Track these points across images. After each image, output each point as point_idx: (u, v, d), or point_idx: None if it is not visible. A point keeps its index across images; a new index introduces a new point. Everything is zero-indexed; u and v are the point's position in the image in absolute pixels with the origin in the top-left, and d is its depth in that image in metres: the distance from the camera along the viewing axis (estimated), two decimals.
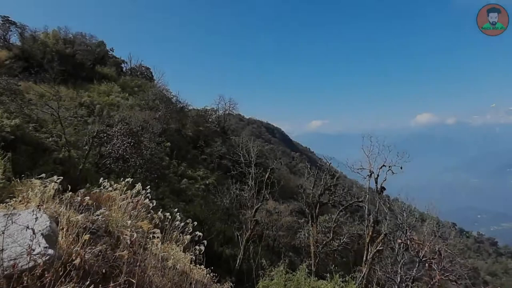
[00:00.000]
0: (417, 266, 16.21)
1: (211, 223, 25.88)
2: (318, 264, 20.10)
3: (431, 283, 14.66)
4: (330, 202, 22.32)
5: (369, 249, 17.27)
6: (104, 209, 4.86)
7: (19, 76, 27.41)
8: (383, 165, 17.50)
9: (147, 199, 5.99)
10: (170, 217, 5.93)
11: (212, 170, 39.03)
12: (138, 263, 3.88)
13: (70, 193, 5.01)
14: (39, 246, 3.10)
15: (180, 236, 5.87)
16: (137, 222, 5.38)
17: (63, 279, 3.03)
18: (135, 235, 4.10)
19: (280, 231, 29.81)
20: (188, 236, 5.81)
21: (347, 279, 10.94)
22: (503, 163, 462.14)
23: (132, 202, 5.73)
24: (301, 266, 11.34)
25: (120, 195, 5.82)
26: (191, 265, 5.85)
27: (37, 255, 2.98)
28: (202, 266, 6.41)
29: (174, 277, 4.68)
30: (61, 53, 35.73)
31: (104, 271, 3.59)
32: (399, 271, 16.58)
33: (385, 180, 17.66)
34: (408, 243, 16.27)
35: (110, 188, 6.06)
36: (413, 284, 16.25)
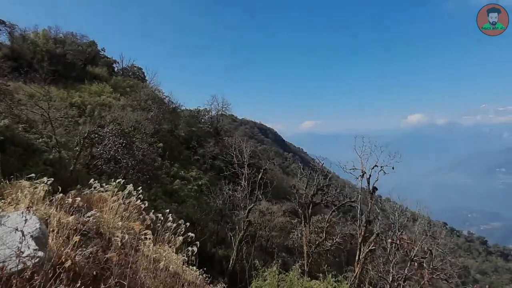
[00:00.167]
0: (408, 265, 16.37)
1: (204, 224, 25.78)
2: (311, 264, 20.16)
3: (422, 282, 14.81)
4: (323, 202, 22.39)
5: (362, 249, 17.38)
6: (95, 211, 4.82)
7: (8, 76, 26.94)
8: (375, 165, 17.63)
9: (139, 200, 5.95)
10: (162, 218, 5.90)
11: (205, 171, 38.92)
12: (129, 265, 3.85)
13: (61, 194, 4.95)
14: (29, 248, 3.06)
15: (172, 237, 5.84)
16: (128, 223, 5.34)
17: (53, 282, 3.00)
18: (126, 236, 4.07)
19: (273, 232, 29.83)
20: (181, 237, 5.79)
21: (339, 279, 10.99)
22: (493, 163, 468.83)
23: (123, 203, 5.69)
24: (294, 266, 11.36)
25: (112, 196, 5.78)
26: (184, 266, 5.83)
27: (27, 258, 2.95)
28: (195, 267, 6.38)
29: (166, 279, 4.66)
30: (52, 53, 35.29)
31: (95, 273, 3.56)
32: (391, 270, 16.72)
33: (377, 180, 17.80)
34: (398, 242, 16.42)
35: (102, 190, 6.02)
36: (405, 283, 16.39)
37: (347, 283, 11.01)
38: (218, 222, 28.05)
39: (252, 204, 21.88)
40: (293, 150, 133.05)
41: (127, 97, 38.27)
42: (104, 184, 6.18)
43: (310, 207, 21.12)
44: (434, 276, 16.27)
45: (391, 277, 16.57)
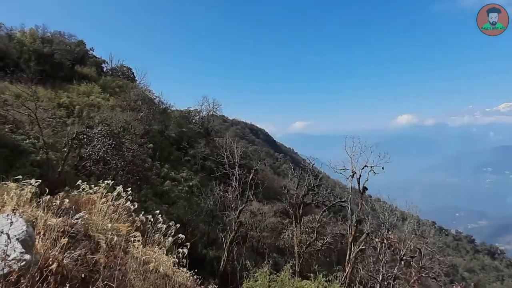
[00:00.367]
0: (398, 264, 16.56)
1: (194, 225, 25.66)
2: (302, 264, 20.23)
3: (412, 281, 14.98)
4: (314, 202, 22.50)
5: (352, 249, 17.52)
6: (84, 213, 4.76)
7: None
8: (365, 166, 17.80)
9: (129, 202, 5.89)
10: (152, 219, 5.85)
11: (196, 172, 38.76)
12: (118, 267, 3.80)
13: (48, 196, 4.88)
14: (15, 251, 3.00)
15: (162, 239, 5.80)
16: (118, 225, 5.28)
17: (40, 285, 2.95)
18: (115, 238, 4.02)
19: (264, 232, 29.84)
20: (171, 239, 5.75)
21: (330, 279, 11.04)
22: (479, 163, 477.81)
23: (113, 205, 5.62)
24: (285, 266, 11.38)
25: (101, 198, 5.70)
26: (174, 268, 5.79)
27: (12, 261, 2.89)
28: (185, 269, 6.35)
29: (156, 280, 4.62)
30: (39, 52, 34.71)
31: (83, 275, 3.51)
32: (381, 269, 16.89)
33: (367, 180, 17.97)
34: (385, 241, 16.60)
35: (90, 191, 5.93)
36: (395, 282, 16.57)
37: (337, 283, 11.07)
38: (209, 223, 27.96)
39: (243, 205, 21.87)
40: (284, 150, 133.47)
41: (116, 98, 37.86)
42: (93, 186, 6.10)
43: (301, 207, 21.20)
44: (423, 275, 16.51)
45: (381, 276, 16.74)
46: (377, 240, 17.50)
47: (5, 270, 2.82)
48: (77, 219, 4.54)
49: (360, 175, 17.98)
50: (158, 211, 6.23)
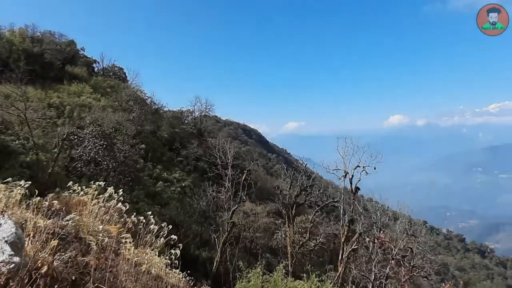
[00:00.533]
0: (390, 263, 16.68)
1: (187, 226, 25.56)
2: (295, 264, 20.28)
3: (403, 280, 15.11)
4: (307, 202, 22.57)
5: (345, 248, 17.61)
6: (75, 214, 4.70)
7: None
8: (358, 166, 17.94)
9: (120, 203, 5.84)
10: (144, 221, 5.80)
11: (188, 172, 38.62)
12: (109, 269, 3.77)
13: (38, 198, 4.81)
14: (3, 254, 2.96)
15: (154, 240, 5.76)
16: (109, 226, 5.23)
17: (29, 287, 2.90)
18: (106, 240, 3.98)
19: (257, 233, 29.84)
20: (163, 240, 5.71)
21: (323, 279, 11.07)
22: (470, 163, 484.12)
23: (104, 206, 5.57)
24: (278, 267, 11.37)
25: (92, 199, 5.64)
26: (167, 270, 5.75)
27: (1, 264, 2.84)
28: (178, 270, 6.32)
29: (148, 282, 4.59)
30: (29, 52, 34.28)
31: (73, 278, 3.47)
32: (373, 269, 17.00)
33: (359, 180, 18.11)
34: (376, 241, 16.73)
35: (81, 193, 5.87)
36: (387, 281, 16.69)
37: (330, 282, 11.11)
38: (202, 224, 27.87)
39: (236, 205, 21.84)
40: (276, 151, 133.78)
41: (107, 98, 37.58)
42: (83, 187, 6.03)
43: (294, 208, 21.26)
44: (415, 274, 16.67)
45: (373, 276, 16.85)
46: (368, 239, 17.63)
47: None
48: (67, 220, 4.48)
49: (352, 175, 18.12)
50: (150, 212, 6.18)
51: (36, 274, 2.99)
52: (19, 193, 4.82)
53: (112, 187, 6.05)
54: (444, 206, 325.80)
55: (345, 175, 18.33)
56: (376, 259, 17.36)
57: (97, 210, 5.38)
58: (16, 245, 3.20)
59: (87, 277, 3.59)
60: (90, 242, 4.06)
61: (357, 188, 18.32)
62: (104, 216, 5.42)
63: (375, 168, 17.53)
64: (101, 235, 4.56)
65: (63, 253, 3.67)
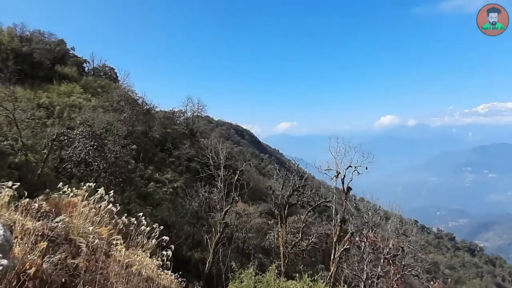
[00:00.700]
0: (381, 263, 16.80)
1: (179, 227, 25.41)
2: (288, 264, 20.31)
3: (395, 278, 15.23)
4: (299, 202, 22.62)
5: (337, 248, 17.69)
6: (64, 216, 4.64)
7: None
8: (349, 166, 18.02)
9: (111, 204, 5.78)
10: (136, 222, 5.76)
11: (181, 173, 38.41)
12: (100, 271, 3.73)
13: (27, 199, 4.74)
14: None
15: (146, 242, 5.72)
16: (100, 228, 5.17)
17: None
18: (96, 241, 3.94)
19: (250, 233, 29.83)
20: (154, 241, 5.67)
21: (315, 278, 11.11)
22: (459, 163, 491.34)
23: (94, 207, 5.51)
24: (270, 267, 11.39)
25: (82, 200, 5.58)
26: (158, 271, 5.72)
27: None
28: (170, 271, 6.28)
29: (139, 284, 4.55)
30: (17, 51, 33.79)
31: (63, 280, 3.42)
32: (365, 268, 17.10)
33: (351, 180, 18.20)
34: (365, 240, 16.84)
35: (71, 194, 5.79)
36: (378, 281, 16.81)
37: (323, 282, 11.15)
38: (194, 225, 27.75)
39: (229, 206, 21.79)
40: (269, 151, 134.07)
41: (98, 98, 37.14)
42: (74, 188, 5.96)
43: (286, 208, 21.29)
44: (406, 272, 16.82)
45: (365, 275, 16.95)
46: (357, 239, 17.73)
47: None
48: (57, 222, 4.42)
49: (344, 175, 18.20)
50: (141, 213, 6.14)
51: (25, 277, 2.94)
52: (8, 195, 4.75)
53: (103, 188, 5.99)
54: (435, 205, 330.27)
55: (337, 175, 18.41)
56: (368, 258, 17.48)
57: (87, 212, 5.32)
58: (4, 247, 3.15)
59: (77, 279, 3.54)
60: (80, 244, 4.01)
61: (349, 188, 18.41)
62: (95, 217, 5.36)
63: (366, 168, 17.64)
64: (91, 236, 4.50)
65: (52, 255, 3.62)
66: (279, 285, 10.61)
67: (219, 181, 22.11)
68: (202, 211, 27.68)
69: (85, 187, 5.82)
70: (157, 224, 6.16)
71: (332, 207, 19.26)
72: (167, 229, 20.82)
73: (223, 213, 21.20)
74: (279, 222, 21.47)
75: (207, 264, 20.42)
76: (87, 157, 19.52)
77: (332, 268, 17.31)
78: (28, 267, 3.04)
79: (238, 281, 10.68)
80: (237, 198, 22.58)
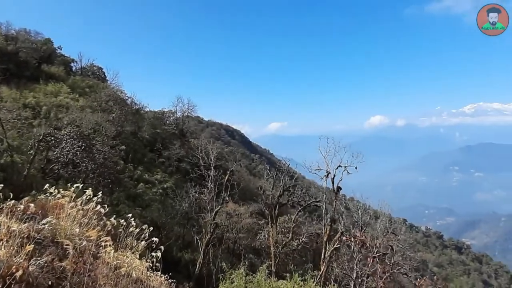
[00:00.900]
0: (371, 262, 16.96)
1: (169, 228, 25.23)
2: (278, 264, 20.35)
3: (384, 277, 15.39)
4: (289, 202, 22.70)
5: (327, 248, 17.80)
6: (51, 218, 4.56)
7: None
8: (339, 166, 18.16)
9: (99, 206, 5.71)
10: (124, 223, 5.70)
11: (171, 174, 38.16)
12: (88, 273, 3.67)
13: (13, 201, 4.64)
14: None
15: (135, 243, 5.66)
16: (87, 230, 5.10)
17: None
18: (84, 243, 3.88)
19: (240, 233, 29.77)
20: (144, 242, 5.62)
21: (306, 278, 11.16)
22: (447, 162, 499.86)
23: (82, 209, 5.43)
24: (261, 267, 11.40)
25: (69, 202, 5.48)
26: (148, 272, 5.66)
27: None
28: (160, 273, 6.23)
29: (128, 286, 4.50)
30: (2, 50, 33.13)
31: (50, 283, 3.36)
32: (355, 267, 17.23)
33: (341, 180, 18.34)
34: (352, 239, 16.98)
35: (59, 195, 5.69)
36: (368, 279, 16.96)
37: (313, 281, 11.20)
38: (184, 226, 27.57)
39: (219, 206, 21.73)
40: (259, 151, 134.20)
41: (86, 98, 36.63)
42: (61, 190, 5.86)
43: (277, 208, 21.34)
44: (395, 271, 17.01)
45: (355, 274, 17.08)
46: (344, 238, 17.85)
47: None
48: (44, 224, 4.34)
49: (334, 175, 18.33)
50: (131, 215, 6.07)
51: (10, 280, 2.88)
52: None
53: (91, 189, 5.91)
54: (423, 204, 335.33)
55: (327, 175, 18.53)
56: (357, 257, 17.62)
57: (75, 213, 5.23)
58: None
59: (64, 282, 3.48)
60: (67, 246, 3.94)
61: (339, 188, 18.54)
62: (83, 219, 5.28)
63: (356, 168, 17.80)
64: (78, 238, 4.44)
65: (39, 258, 3.56)
66: (270, 285, 10.63)
67: (210, 181, 22.04)
68: (193, 212, 27.53)
69: (72, 188, 5.73)
70: (146, 225, 6.10)
71: (322, 207, 19.36)
72: (157, 230, 20.63)
73: (213, 213, 21.14)
74: (270, 222, 21.51)
75: (198, 265, 20.33)
76: (74, 158, 19.24)
77: (322, 268, 17.41)
78: (14, 270, 2.98)
79: (228, 282, 10.66)
80: (227, 199, 22.54)
